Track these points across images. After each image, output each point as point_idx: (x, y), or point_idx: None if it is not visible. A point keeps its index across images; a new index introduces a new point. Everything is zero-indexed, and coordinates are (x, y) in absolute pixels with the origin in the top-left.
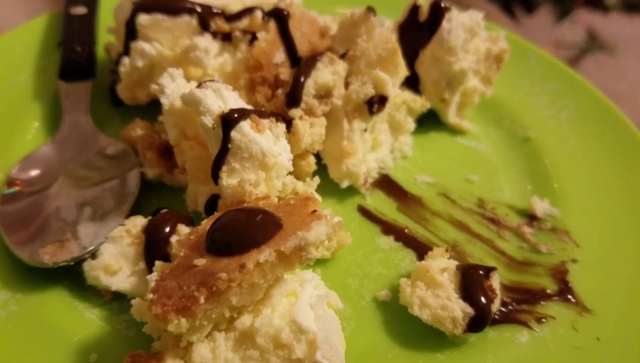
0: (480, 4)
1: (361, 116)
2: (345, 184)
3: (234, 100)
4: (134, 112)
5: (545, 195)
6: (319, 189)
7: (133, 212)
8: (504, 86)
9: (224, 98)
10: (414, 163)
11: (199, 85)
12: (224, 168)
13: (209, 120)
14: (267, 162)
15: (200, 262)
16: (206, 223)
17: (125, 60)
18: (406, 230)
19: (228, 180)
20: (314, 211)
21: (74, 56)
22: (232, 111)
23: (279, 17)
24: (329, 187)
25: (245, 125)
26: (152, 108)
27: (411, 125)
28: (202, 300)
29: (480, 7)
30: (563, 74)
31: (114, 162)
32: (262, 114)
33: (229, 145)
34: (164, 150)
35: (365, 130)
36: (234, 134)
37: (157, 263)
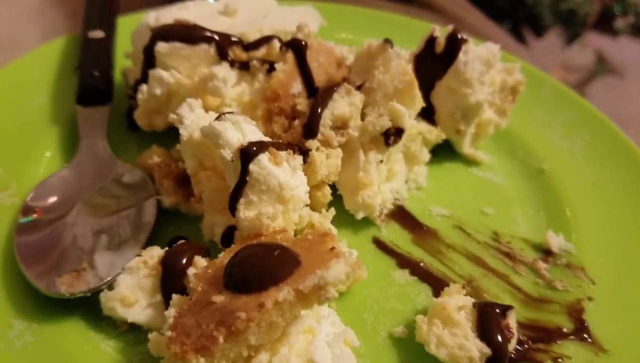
0: (487, 29)
1: (377, 148)
2: (360, 216)
3: (253, 133)
4: (150, 138)
5: (560, 230)
6: (333, 220)
7: (149, 240)
8: (517, 116)
9: (243, 131)
10: (428, 194)
11: (218, 118)
12: (242, 200)
13: (227, 154)
14: (285, 195)
15: (219, 298)
16: (223, 257)
17: (143, 88)
18: (422, 264)
19: (245, 213)
20: (333, 248)
21: (92, 81)
22: (251, 144)
23: (297, 48)
24: (344, 218)
25: (263, 158)
26: (169, 134)
27: (426, 156)
28: (221, 340)
29: (488, 32)
30: (577, 105)
31: (131, 190)
32: (280, 146)
33: (247, 178)
34: (181, 178)
35: (381, 161)
36: (252, 167)
37: (175, 297)
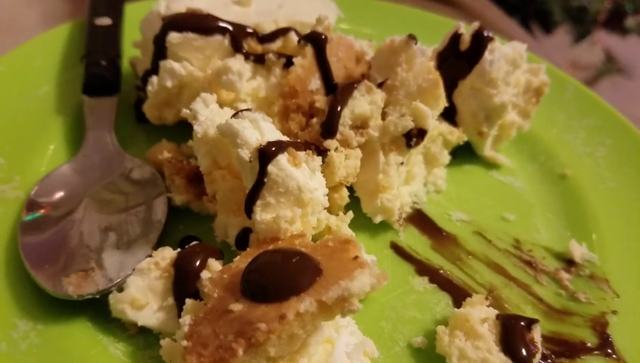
0: (506, 25)
1: (398, 149)
2: (378, 219)
3: (271, 132)
4: (159, 131)
5: (583, 239)
6: (350, 223)
7: (159, 240)
8: (539, 119)
9: (261, 129)
10: (448, 198)
11: (235, 115)
12: (259, 202)
13: (245, 154)
14: (303, 198)
15: (236, 307)
16: (239, 262)
17: (154, 79)
18: (441, 271)
19: (262, 215)
20: (356, 257)
21: (99, 70)
22: (270, 144)
23: (317, 42)
24: (361, 221)
25: (282, 159)
26: (178, 127)
27: (446, 158)
28: (240, 352)
29: (507, 29)
30: (600, 109)
31: (140, 186)
32: (299, 146)
33: (265, 180)
34: (193, 176)
35: (402, 163)
36: (270, 168)
37: (188, 302)
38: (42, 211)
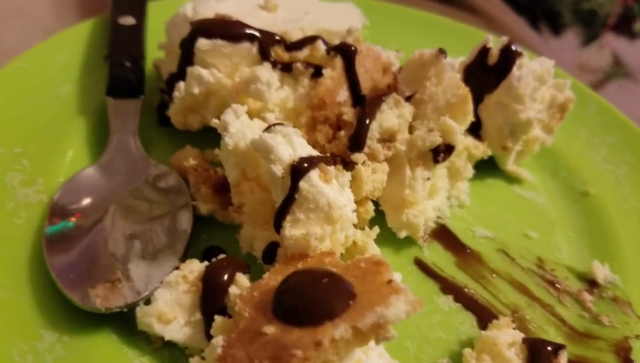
0: (525, 34)
1: (425, 164)
2: (403, 235)
3: (303, 147)
4: (182, 135)
5: (605, 259)
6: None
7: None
8: (561, 133)
9: (294, 144)
10: (471, 213)
11: (268, 129)
12: (288, 218)
13: (278, 170)
14: (333, 214)
15: (270, 329)
16: (268, 279)
17: (181, 85)
18: (466, 290)
19: (291, 231)
20: (390, 281)
21: (123, 72)
22: (302, 160)
23: (346, 53)
24: (385, 235)
25: (314, 175)
26: (201, 132)
27: (470, 172)
28: None
29: (527, 37)
30: (622, 126)
31: (165, 194)
32: (328, 161)
33: (296, 196)
34: (219, 185)
35: (428, 179)
36: (302, 184)
37: (218, 320)
38: (68, 219)
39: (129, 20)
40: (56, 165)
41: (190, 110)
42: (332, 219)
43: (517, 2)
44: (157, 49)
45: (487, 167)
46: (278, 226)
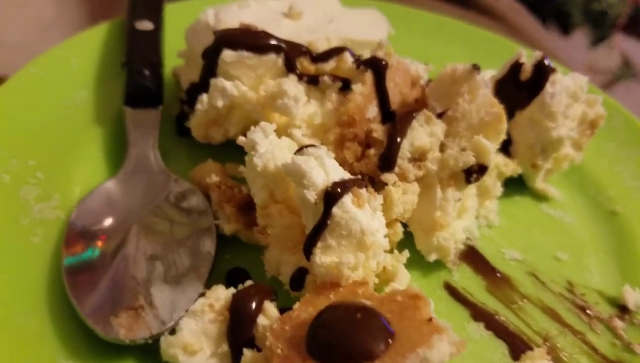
0: (547, 42)
1: (456, 184)
2: (432, 258)
3: (335, 170)
4: (201, 146)
5: (636, 284)
6: None
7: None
8: (588, 147)
9: (326, 167)
10: (500, 233)
11: (300, 151)
12: (319, 244)
13: (311, 196)
14: (365, 241)
15: None
16: (299, 310)
17: (204, 98)
18: (497, 317)
19: (322, 258)
20: (430, 319)
21: (142, 80)
22: (336, 185)
23: (378, 68)
24: (413, 257)
25: (347, 200)
26: (222, 144)
27: (499, 190)
28: None
29: (548, 45)
30: None
31: (187, 213)
32: (360, 183)
33: (328, 222)
34: (244, 204)
35: (459, 200)
36: (335, 210)
37: (247, 354)
38: (87, 246)
39: (146, 25)
40: (72, 179)
41: (212, 123)
42: (364, 246)
43: (527, 1)
44: (175, 56)
45: (514, 184)
46: (308, 252)
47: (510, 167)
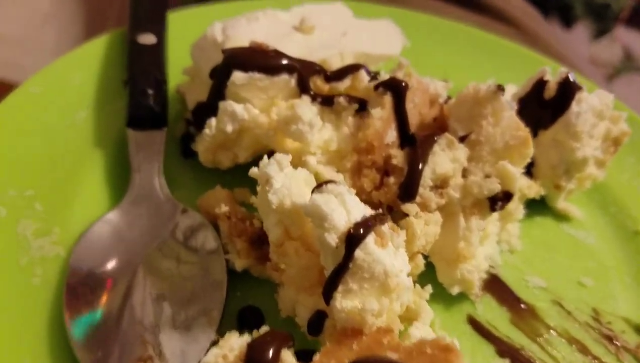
0: (562, 48)
1: (480, 213)
2: (456, 291)
3: (356, 206)
4: (208, 169)
5: None
6: None
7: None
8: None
9: (347, 205)
10: (523, 259)
11: (319, 188)
12: (340, 288)
13: (333, 239)
14: (390, 284)
15: None
16: (321, 362)
17: (212, 122)
18: (523, 352)
19: (343, 303)
20: None
21: (145, 100)
22: (359, 226)
23: (397, 91)
24: (435, 289)
25: (370, 242)
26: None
27: (521, 213)
28: None
29: (563, 51)
30: None
31: (196, 249)
32: (383, 219)
33: (350, 265)
34: (256, 238)
35: (483, 229)
36: (358, 252)
37: None
38: (92, 303)
39: (149, 39)
40: (73, 209)
41: (220, 147)
42: (388, 289)
43: None
44: (180, 71)
45: (534, 204)
46: (328, 297)
47: (534, 189)
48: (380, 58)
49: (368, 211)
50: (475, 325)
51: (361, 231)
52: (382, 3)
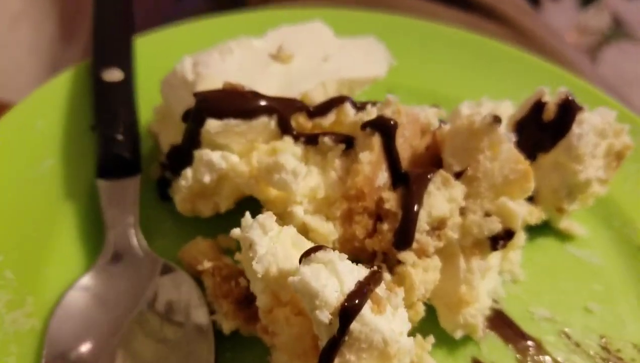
0: (557, 44)
1: (481, 253)
2: (459, 335)
3: (350, 274)
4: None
5: None
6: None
7: None
8: None
9: (339, 274)
10: (526, 289)
11: (307, 256)
12: (337, 360)
13: (325, 316)
14: (389, 351)
15: None
16: None
17: (187, 173)
18: None
19: None
20: None
21: (115, 148)
22: (353, 297)
23: (386, 131)
24: (436, 333)
25: (366, 312)
26: None
27: (522, 240)
28: None
29: (560, 48)
30: None
31: (179, 312)
32: (377, 278)
33: (346, 338)
34: (243, 298)
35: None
36: (354, 325)
37: None
38: None
39: (115, 75)
40: (46, 274)
41: (199, 196)
42: (388, 356)
43: None
44: (153, 99)
45: (535, 225)
46: None
47: (535, 215)
48: (365, 81)
49: (362, 273)
50: None
51: (356, 301)
52: (366, 6)
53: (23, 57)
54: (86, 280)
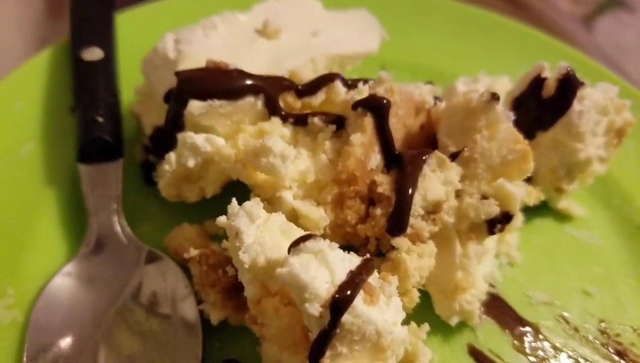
0: (566, 23)
1: (477, 237)
2: (455, 322)
3: (341, 263)
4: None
5: None
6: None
7: None
8: None
9: (329, 264)
10: (524, 272)
11: (295, 246)
12: (328, 353)
13: (316, 309)
14: (383, 343)
15: None
16: None
17: (171, 157)
18: None
19: None
20: None
21: (96, 131)
22: (344, 288)
23: (379, 111)
24: (431, 319)
25: (359, 303)
26: None
27: (520, 221)
28: None
29: (569, 28)
30: None
31: (165, 302)
32: (370, 267)
33: (337, 330)
34: (230, 287)
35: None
36: (346, 317)
37: None
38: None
39: (95, 54)
40: (27, 264)
41: (184, 181)
42: (381, 348)
43: None
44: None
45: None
46: (314, 362)
47: (533, 196)
48: (357, 57)
49: (354, 262)
50: (477, 355)
51: (348, 293)
52: None
53: (11, 34)
54: (68, 269)
